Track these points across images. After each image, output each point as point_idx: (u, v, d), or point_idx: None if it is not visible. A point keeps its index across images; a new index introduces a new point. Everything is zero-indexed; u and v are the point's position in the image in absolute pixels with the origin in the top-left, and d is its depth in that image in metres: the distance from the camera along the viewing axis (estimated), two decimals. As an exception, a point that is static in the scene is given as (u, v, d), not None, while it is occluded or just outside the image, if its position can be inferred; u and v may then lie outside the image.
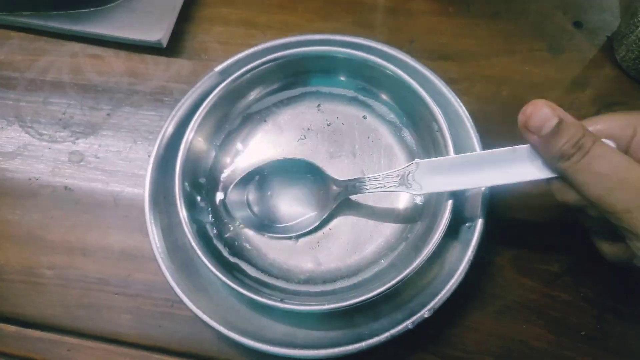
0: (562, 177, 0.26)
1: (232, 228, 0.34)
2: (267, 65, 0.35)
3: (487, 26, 0.41)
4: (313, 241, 0.33)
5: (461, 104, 0.34)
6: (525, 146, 0.26)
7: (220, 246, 0.33)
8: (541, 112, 0.24)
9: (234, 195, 0.34)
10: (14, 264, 0.35)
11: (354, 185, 0.32)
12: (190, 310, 0.30)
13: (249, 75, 0.35)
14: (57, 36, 0.42)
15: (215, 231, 0.34)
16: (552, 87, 0.38)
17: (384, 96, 0.36)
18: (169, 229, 0.33)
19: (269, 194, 0.34)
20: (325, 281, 0.32)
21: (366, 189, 0.32)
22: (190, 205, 0.32)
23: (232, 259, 0.33)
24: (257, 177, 0.34)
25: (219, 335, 0.30)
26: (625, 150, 0.26)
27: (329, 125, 0.37)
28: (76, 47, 0.42)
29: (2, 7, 0.42)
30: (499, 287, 0.32)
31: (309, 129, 0.37)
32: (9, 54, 0.42)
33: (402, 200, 0.34)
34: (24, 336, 0.33)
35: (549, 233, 0.34)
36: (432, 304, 0.29)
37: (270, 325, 0.31)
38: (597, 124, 0.26)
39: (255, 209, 0.34)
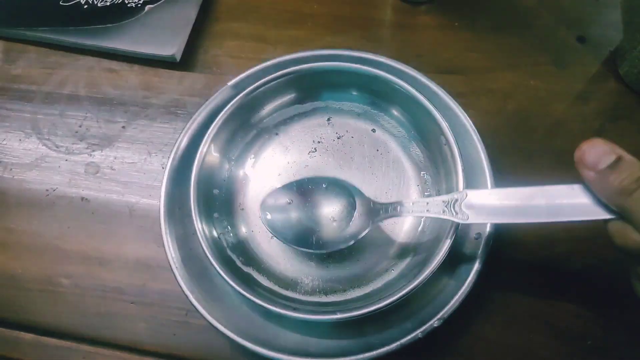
0: (623, 216, 0.24)
1: (246, 235, 0.35)
2: (279, 80, 0.36)
3: (492, 40, 0.42)
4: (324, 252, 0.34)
5: (468, 117, 0.35)
6: (581, 184, 0.26)
7: (233, 256, 0.34)
8: (598, 148, 0.24)
9: (271, 201, 0.34)
10: (32, 273, 0.36)
11: (395, 208, 0.31)
12: (205, 319, 0.30)
13: (261, 89, 0.36)
14: (73, 50, 0.43)
15: (229, 241, 0.34)
16: (556, 100, 0.39)
17: (392, 110, 0.37)
18: (184, 239, 0.33)
19: (306, 207, 0.33)
20: (335, 291, 0.33)
21: (407, 212, 0.31)
22: (205, 216, 0.33)
23: (245, 269, 0.34)
24: (295, 189, 0.34)
25: (232, 344, 0.31)
26: None
27: (338, 138, 0.37)
28: (92, 61, 0.43)
29: (21, 23, 0.43)
30: (505, 297, 0.33)
31: (319, 142, 0.37)
32: (27, 67, 0.43)
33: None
34: (41, 344, 0.34)
35: (556, 242, 0.34)
36: (441, 314, 0.30)
37: (283, 334, 0.31)
38: None
39: (292, 221, 0.33)
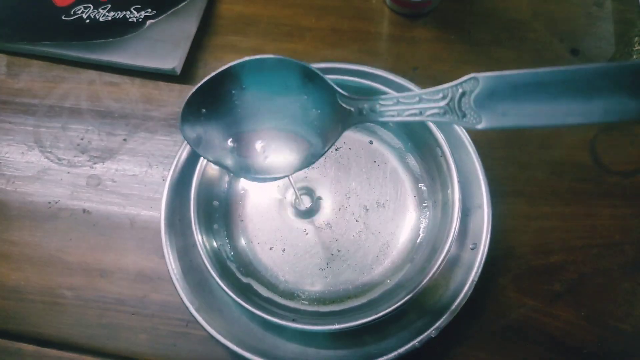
0: None
1: (246, 246, 0.35)
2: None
3: (487, 53, 0.43)
4: (322, 263, 0.35)
5: (463, 129, 0.35)
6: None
7: (233, 267, 0.34)
8: None
9: (191, 117, 0.23)
10: (34, 284, 0.36)
11: (372, 108, 0.22)
12: (205, 330, 0.31)
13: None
14: (75, 64, 0.44)
15: (228, 252, 0.35)
16: (550, 112, 0.40)
17: (389, 122, 0.38)
18: (184, 251, 0.34)
19: (247, 115, 0.23)
20: (334, 301, 0.34)
21: (390, 113, 0.22)
22: (205, 227, 0.34)
23: (245, 280, 0.34)
24: (227, 88, 0.23)
25: (232, 354, 0.31)
26: None
27: (336, 150, 0.38)
28: (93, 74, 0.44)
29: (24, 38, 0.44)
30: (502, 306, 0.34)
31: (317, 154, 0.38)
32: (29, 81, 0.44)
33: (409, 221, 0.35)
34: (43, 355, 0.34)
35: (551, 252, 0.35)
36: (438, 324, 0.30)
37: (282, 344, 0.32)
38: None
39: (231, 139, 0.24)
